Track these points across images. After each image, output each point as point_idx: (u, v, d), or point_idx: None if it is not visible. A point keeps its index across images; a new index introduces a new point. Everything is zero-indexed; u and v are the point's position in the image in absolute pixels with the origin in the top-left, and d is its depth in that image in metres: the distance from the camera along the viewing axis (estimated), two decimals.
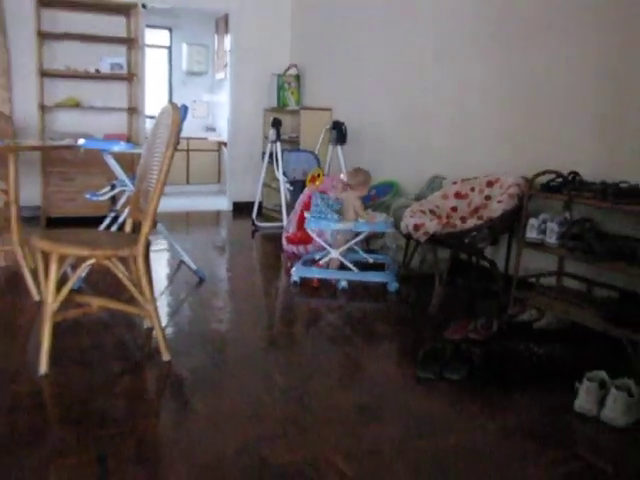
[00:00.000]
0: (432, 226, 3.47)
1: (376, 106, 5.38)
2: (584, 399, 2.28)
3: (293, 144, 6.33)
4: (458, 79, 4.38)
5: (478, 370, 2.57)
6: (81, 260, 2.54)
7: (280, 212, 5.92)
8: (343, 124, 5.58)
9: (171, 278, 4.14)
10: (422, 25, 4.75)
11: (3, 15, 5.69)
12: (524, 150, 3.80)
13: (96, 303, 2.73)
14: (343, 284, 3.93)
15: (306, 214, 4.17)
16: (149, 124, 6.98)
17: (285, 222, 5.41)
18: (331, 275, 4.04)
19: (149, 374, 2.54)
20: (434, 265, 3.64)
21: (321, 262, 4.10)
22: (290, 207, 5.51)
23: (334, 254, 4.11)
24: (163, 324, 3.15)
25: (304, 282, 4.02)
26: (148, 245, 2.63)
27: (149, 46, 7.48)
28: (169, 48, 9.26)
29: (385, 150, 5.27)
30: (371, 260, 4.30)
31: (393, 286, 3.91)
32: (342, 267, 4.11)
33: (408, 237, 3.71)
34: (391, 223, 4.07)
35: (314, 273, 4.02)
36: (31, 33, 5.78)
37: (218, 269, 4.45)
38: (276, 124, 5.94)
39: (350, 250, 4.30)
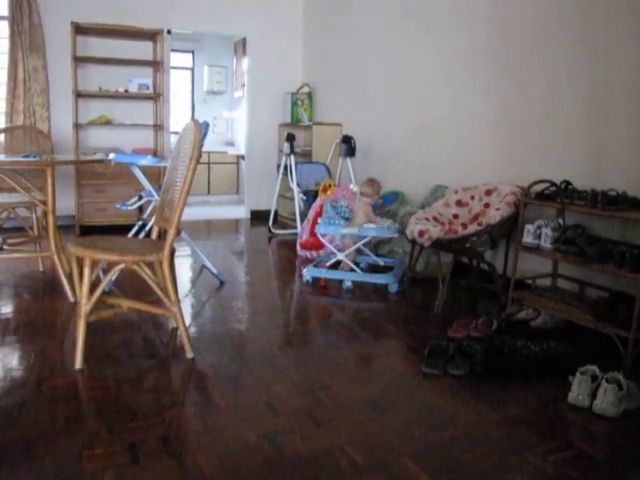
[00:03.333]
0: (435, 232, 3.46)
1: (383, 121, 5.37)
2: (577, 391, 2.27)
3: (306, 157, 6.34)
4: (458, 98, 4.37)
5: (479, 365, 2.56)
6: (112, 265, 2.55)
7: (294, 220, 5.92)
8: (352, 138, 5.59)
9: (194, 282, 4.13)
10: (428, 47, 4.73)
11: (43, 40, 5.77)
12: (520, 161, 3.78)
13: (125, 304, 2.73)
14: (348, 284, 3.95)
15: (319, 220, 4.20)
16: (173, 139, 6.99)
17: (299, 229, 5.42)
18: (337, 275, 4.06)
19: (174, 370, 2.53)
20: (437, 268, 3.63)
21: (327, 264, 4.12)
22: (303, 215, 5.50)
23: (340, 256, 4.13)
24: (187, 324, 3.15)
25: (315, 283, 4.04)
26: (173, 251, 2.63)
27: (173, 68, 7.51)
28: (192, 69, 9.31)
29: (391, 162, 5.26)
30: (382, 263, 4.32)
31: (394, 287, 3.91)
32: (353, 270, 4.12)
33: (413, 242, 3.70)
34: (397, 229, 4.06)
35: (322, 273, 4.06)
36: (68, 57, 5.85)
37: (237, 273, 4.46)
38: (290, 138, 5.93)
39: (364, 254, 4.37)
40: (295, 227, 5.82)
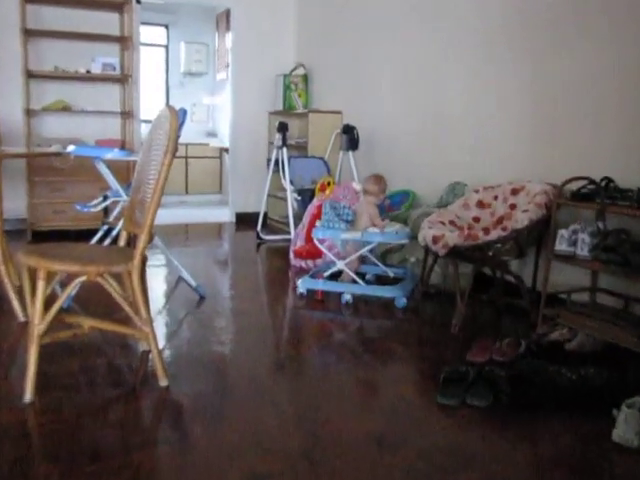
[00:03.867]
0: (452, 238, 3.46)
1: (391, 110, 5.41)
2: (623, 428, 2.25)
3: (301, 150, 6.35)
4: (478, 84, 4.41)
5: (504, 395, 2.55)
6: (71, 277, 2.53)
7: (287, 224, 5.95)
8: (355, 129, 5.60)
9: (169, 296, 4.15)
10: (442, 27, 4.77)
11: None
12: (551, 155, 3.80)
13: (87, 324, 2.71)
14: (347, 297, 3.99)
15: (317, 223, 4.23)
16: (145, 129, 7.00)
17: (292, 234, 5.43)
18: (337, 288, 4.09)
19: (145, 401, 2.51)
20: (455, 280, 3.62)
21: (325, 275, 4.16)
22: (298, 218, 5.53)
23: (339, 265, 4.17)
24: (160, 346, 3.08)
25: (311, 296, 4.08)
26: (144, 260, 2.62)
27: (144, 45, 7.51)
28: (166, 47, 9.35)
29: (400, 157, 5.29)
30: (391, 274, 4.35)
31: (401, 302, 3.93)
32: (355, 282, 4.15)
33: (427, 250, 3.72)
34: (407, 234, 4.08)
35: (319, 285, 4.09)
36: (15, 31, 5.75)
37: (220, 286, 4.47)
38: (282, 128, 5.95)
39: (369, 264, 4.42)
40: (288, 232, 5.85)
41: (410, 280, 4.23)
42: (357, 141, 5.60)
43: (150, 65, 8.97)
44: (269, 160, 6.26)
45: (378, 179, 4.26)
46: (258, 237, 6.11)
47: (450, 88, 4.68)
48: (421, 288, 4.04)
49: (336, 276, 4.29)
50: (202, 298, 4.04)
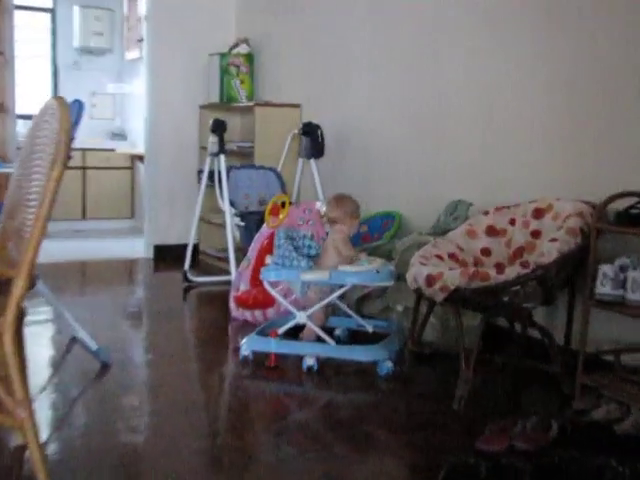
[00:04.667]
0: (453, 278, 3.45)
1: (369, 104, 5.48)
2: None
3: (245, 158, 6.42)
4: (488, 66, 4.47)
5: None
6: None
7: (226, 260, 5.98)
8: (319, 129, 5.66)
9: (58, 365, 4.12)
10: None
11: None
12: (588, 162, 3.86)
13: None
14: (310, 362, 3.99)
15: (268, 259, 4.24)
16: (22, 128, 6.98)
17: (234, 275, 5.45)
18: (294, 349, 4.13)
19: None
20: (458, 336, 3.63)
21: (279, 331, 4.16)
22: (241, 252, 5.54)
23: (300, 318, 4.18)
24: (43, 438, 3.03)
25: (259, 359, 4.08)
26: (21, 315, 2.56)
27: (20, 8, 7.48)
28: (52, 12, 9.21)
29: (381, 167, 5.35)
30: (370, 329, 4.38)
31: (385, 367, 3.93)
32: (321, 340, 4.16)
33: (419, 295, 3.72)
34: (391, 273, 4.11)
35: (271, 346, 4.09)
36: None
37: (132, 349, 4.48)
38: (218, 128, 5.94)
39: (340, 315, 4.51)
40: (227, 272, 5.88)
41: (396, 337, 4.25)
42: (322, 146, 5.66)
43: (30, 38, 8.86)
44: (201, 172, 6.32)
45: (340, 200, 4.30)
46: (185, 279, 6.12)
47: (450, 75, 4.75)
48: (411, 347, 4.03)
49: (295, 333, 4.29)
50: (106, 366, 3.99)
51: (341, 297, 4.30)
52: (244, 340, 4.17)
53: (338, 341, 4.25)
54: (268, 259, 4.26)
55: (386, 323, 4.47)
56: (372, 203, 5.03)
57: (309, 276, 4.10)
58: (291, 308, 4.25)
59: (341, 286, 4.13)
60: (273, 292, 4.30)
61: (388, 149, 5.28)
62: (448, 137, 4.77)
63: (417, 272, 3.60)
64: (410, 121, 5.09)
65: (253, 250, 4.98)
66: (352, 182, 5.15)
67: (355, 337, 4.44)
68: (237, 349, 4.24)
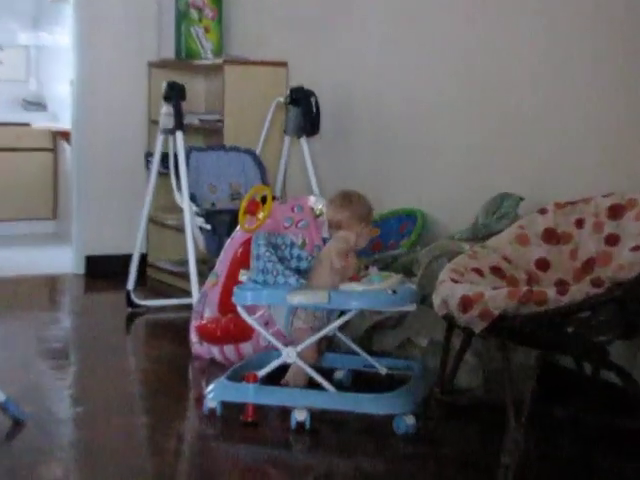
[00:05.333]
0: (498, 300, 3.37)
1: (381, 62, 5.52)
2: None
3: (211, 136, 6.65)
4: (560, 29, 4.47)
5: None
6: None
7: (185, 277, 6.02)
8: (312, 96, 5.71)
9: None
10: None
11: None
12: None
13: None
14: (299, 417, 3.94)
15: (243, 275, 4.20)
16: None
17: (195, 297, 5.47)
18: (279, 399, 4.11)
19: None
20: (504, 381, 3.59)
21: (259, 374, 4.14)
22: (206, 265, 5.66)
23: (288, 355, 4.13)
24: None
25: (231, 413, 4.04)
26: None
27: None
28: None
29: (398, 149, 5.39)
30: (384, 370, 4.35)
31: (404, 424, 3.88)
32: (314, 385, 4.14)
33: (450, 323, 3.69)
34: (413, 293, 4.09)
35: (248, 395, 4.04)
36: None
37: (54, 399, 4.45)
38: (174, 95, 5.91)
39: (342, 352, 4.51)
40: (187, 293, 5.92)
41: (419, 382, 4.21)
42: (317, 119, 5.70)
43: None
44: (150, 156, 6.34)
45: (347, 199, 4.27)
46: (129, 303, 6.14)
47: (498, 38, 4.80)
48: (440, 396, 3.96)
49: (278, 375, 4.25)
50: (18, 424, 3.93)
51: (343, 327, 4.28)
52: (210, 387, 4.13)
53: (339, 387, 4.19)
54: (243, 275, 4.20)
55: (405, 363, 4.45)
56: (386, 198, 5.11)
57: (299, 298, 4.01)
58: (276, 342, 4.20)
59: (343, 312, 4.11)
60: (250, 320, 4.24)
61: (408, 125, 5.31)
62: (493, 110, 4.80)
63: (448, 292, 3.55)
64: (440, 85, 5.12)
65: (223, 262, 4.97)
66: (358, 169, 5.30)
67: (362, 382, 4.42)
68: (201, 399, 4.20)
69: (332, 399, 4.03)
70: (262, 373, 4.14)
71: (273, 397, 4.07)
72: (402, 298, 4.04)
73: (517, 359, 3.76)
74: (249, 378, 4.09)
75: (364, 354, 4.39)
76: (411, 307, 4.09)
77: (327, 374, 4.22)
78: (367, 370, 4.41)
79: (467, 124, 4.94)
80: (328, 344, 4.46)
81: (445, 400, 3.92)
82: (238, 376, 4.22)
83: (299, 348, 4.12)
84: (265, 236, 4.20)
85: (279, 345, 4.18)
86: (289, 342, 4.23)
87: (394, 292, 4.00)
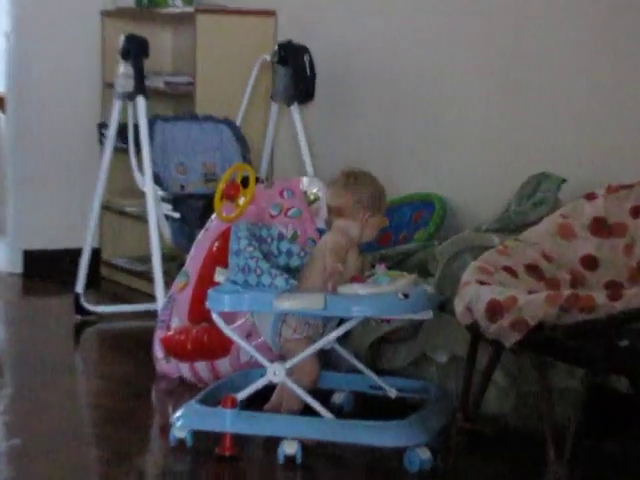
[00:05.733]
0: (535, 306, 3.37)
1: (392, 12, 5.57)
2: None
3: (179, 102, 6.81)
4: None
5: None
6: None
7: (148, 277, 6.14)
8: (306, 53, 5.78)
9: None
10: None
11: None
12: None
13: None
14: (288, 450, 3.90)
15: (220, 274, 4.13)
16: None
17: (161, 302, 5.50)
18: (265, 429, 4.05)
19: None
20: (543, 407, 3.58)
21: (239, 396, 4.10)
22: (175, 263, 5.86)
23: (275, 374, 4.07)
24: None
25: (204, 445, 4.00)
26: None
27: None
28: None
29: (414, 121, 5.46)
30: (393, 393, 4.30)
31: (418, 459, 3.80)
32: (308, 411, 4.10)
33: (475, 335, 3.67)
34: (429, 297, 4.04)
35: (226, 423, 3.99)
36: None
37: None
38: (135, 52, 5.94)
39: (345, 370, 4.50)
40: (150, 297, 6.00)
41: (437, 407, 4.16)
42: (311, 82, 5.77)
43: None
44: (104, 127, 6.42)
45: (351, 180, 4.21)
46: (79, 309, 6.16)
47: None
48: (463, 424, 3.93)
49: (261, 399, 4.21)
50: None
51: (343, 340, 4.27)
52: (179, 413, 4.07)
53: (338, 413, 4.16)
54: (220, 274, 4.15)
55: (419, 384, 4.41)
56: (397, 180, 5.16)
57: (289, 303, 3.91)
58: (260, 357, 4.13)
59: (342, 321, 4.04)
60: (228, 330, 4.19)
61: (425, 89, 5.38)
62: (531, 67, 4.83)
63: (473, 297, 3.55)
64: (466, 40, 5.19)
65: (194, 259, 4.97)
66: (362, 144, 5.33)
67: (367, 407, 4.41)
68: (167, 428, 4.16)
69: (329, 428, 3.94)
70: (242, 396, 4.06)
71: (256, 426, 3.99)
72: (416, 303, 3.93)
73: (558, 380, 3.78)
74: (227, 402, 4.02)
75: (369, 373, 4.33)
76: (427, 315, 4.00)
77: (323, 397, 4.16)
78: (373, 393, 4.35)
79: (498, 90, 4.98)
80: (323, 360, 4.36)
81: (469, 429, 3.89)
82: (213, 399, 4.18)
83: (288, 364, 4.04)
84: (247, 227, 4.12)
85: (264, 361, 4.08)
86: (277, 357, 4.18)
87: (406, 296, 3.89)
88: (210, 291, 4.09)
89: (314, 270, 4.13)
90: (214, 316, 4.11)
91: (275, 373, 4.03)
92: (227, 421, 3.93)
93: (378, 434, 3.89)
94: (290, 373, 4.06)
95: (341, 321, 4.07)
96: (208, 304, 4.10)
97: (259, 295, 3.95)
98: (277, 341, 4.19)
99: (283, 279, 3.95)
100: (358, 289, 3.94)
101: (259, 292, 3.96)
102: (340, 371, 4.49)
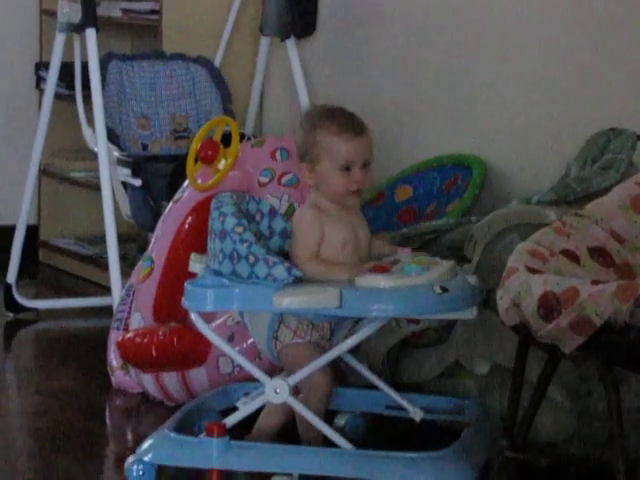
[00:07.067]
0: (602, 301, 3.25)
1: None
2: None
3: (141, 36, 6.96)
4: None
5: None
6: None
7: (101, 263, 6.25)
8: None
9: None
10: None
11: None
12: None
13: None
14: None
15: (195, 262, 3.91)
16: None
17: (117, 295, 5.42)
18: (257, 463, 3.87)
19: None
20: (612, 430, 3.48)
21: (227, 422, 3.98)
22: (136, 244, 6.14)
23: (274, 392, 3.92)
24: None
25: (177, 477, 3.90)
26: None
27: None
28: None
29: (441, 62, 5.48)
30: (418, 414, 4.14)
31: None
32: (314, 437, 3.99)
33: (525, 338, 3.58)
34: (469, 290, 3.91)
35: (211, 457, 3.84)
36: None
37: None
38: None
39: (360, 386, 4.40)
40: (104, 288, 6.11)
41: (476, 432, 3.99)
42: (312, 10, 5.88)
43: None
44: (42, 68, 6.52)
45: (323, 114, 4.06)
46: (11, 304, 6.21)
47: None
48: (511, 454, 3.83)
49: (250, 422, 4.03)
50: None
51: (356, 348, 4.06)
52: (147, 443, 3.85)
53: (352, 440, 3.94)
54: (196, 262, 3.95)
55: (453, 402, 4.24)
56: (422, 139, 5.20)
57: (293, 300, 3.73)
58: (256, 371, 3.95)
59: (358, 321, 3.89)
60: (209, 333, 4.01)
61: (458, 21, 5.38)
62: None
63: (522, 289, 3.47)
64: None
65: (161, 241, 4.84)
66: (377, 91, 5.15)
67: (384, 433, 4.36)
68: (124, 458, 3.96)
69: (348, 462, 3.75)
70: (232, 421, 3.89)
71: (255, 460, 3.80)
72: (457, 299, 3.73)
73: (632, 399, 3.81)
74: (212, 430, 3.82)
75: (386, 388, 4.15)
76: (471, 313, 3.82)
77: (328, 418, 4.05)
78: (391, 414, 4.23)
79: (553, 23, 4.92)
80: (339, 372, 4.19)
81: (518, 459, 3.85)
82: (190, 424, 4.09)
83: (292, 380, 3.84)
84: (232, 199, 3.89)
85: (261, 375, 3.90)
86: (268, 366, 4.11)
87: (444, 290, 3.68)
88: (188, 285, 3.79)
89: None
90: (193, 317, 3.89)
91: (277, 391, 3.85)
92: (213, 454, 3.76)
93: (399, 468, 3.70)
94: (295, 391, 3.90)
95: (356, 322, 3.93)
96: (186, 302, 3.83)
97: (253, 290, 3.72)
98: (272, 347, 4.02)
99: (284, 268, 3.69)
100: (381, 280, 3.73)
101: (254, 286, 3.74)
102: (348, 386, 4.33)
